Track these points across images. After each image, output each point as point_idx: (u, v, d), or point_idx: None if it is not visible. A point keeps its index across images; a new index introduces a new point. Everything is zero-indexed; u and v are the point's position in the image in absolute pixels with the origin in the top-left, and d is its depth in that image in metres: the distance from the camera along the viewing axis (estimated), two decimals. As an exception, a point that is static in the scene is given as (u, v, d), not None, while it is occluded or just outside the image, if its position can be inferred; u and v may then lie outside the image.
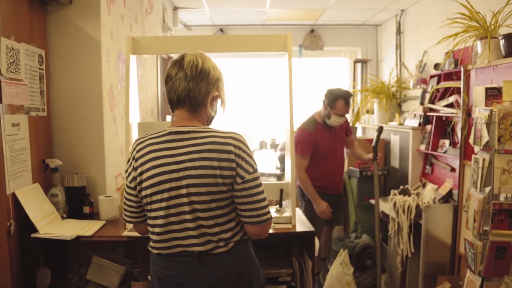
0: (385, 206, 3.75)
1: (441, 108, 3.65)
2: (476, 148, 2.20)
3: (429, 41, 4.26)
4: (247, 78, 6.66)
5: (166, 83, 1.61)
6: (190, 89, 1.57)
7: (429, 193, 3.55)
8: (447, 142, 3.61)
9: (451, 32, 2.87)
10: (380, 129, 3.64)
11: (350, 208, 4.62)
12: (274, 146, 6.12)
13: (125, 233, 2.22)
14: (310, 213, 3.68)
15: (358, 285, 3.79)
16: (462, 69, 3.06)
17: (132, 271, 2.30)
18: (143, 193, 1.60)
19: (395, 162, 4.50)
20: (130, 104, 2.36)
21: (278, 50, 2.40)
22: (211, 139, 1.55)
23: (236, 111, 6.81)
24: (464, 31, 2.81)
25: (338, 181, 3.92)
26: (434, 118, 3.77)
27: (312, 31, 6.15)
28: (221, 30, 6.07)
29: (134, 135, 2.42)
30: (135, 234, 2.06)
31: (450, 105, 3.53)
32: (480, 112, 2.14)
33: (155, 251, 1.64)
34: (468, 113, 3.02)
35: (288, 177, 2.46)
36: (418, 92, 4.33)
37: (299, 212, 2.59)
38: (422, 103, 4.13)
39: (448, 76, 3.69)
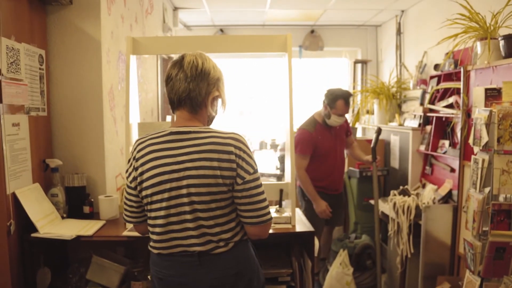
0: (384, 207, 3.75)
1: (441, 109, 3.66)
2: (476, 149, 2.20)
3: (429, 42, 4.26)
4: (247, 78, 6.66)
5: (166, 83, 1.62)
6: (190, 90, 1.57)
7: (429, 193, 3.56)
8: (446, 142, 3.61)
9: (451, 33, 2.88)
10: (379, 131, 3.65)
11: (350, 209, 4.63)
12: (274, 146, 6.13)
13: (125, 233, 2.22)
14: (310, 213, 3.68)
15: (358, 285, 3.80)
16: (462, 70, 3.06)
17: (132, 271, 2.31)
18: (144, 193, 1.60)
19: (395, 163, 4.51)
20: (130, 104, 2.37)
21: (278, 51, 2.40)
22: (211, 139, 1.56)
23: (236, 111, 6.81)
24: (464, 32, 2.81)
25: (338, 181, 3.93)
26: (434, 118, 3.77)
27: (312, 31, 6.15)
28: (221, 30, 6.07)
29: (134, 135, 2.42)
30: (135, 234, 2.07)
31: (450, 106, 3.53)
32: (479, 113, 2.14)
33: (155, 251, 1.64)
34: (467, 113, 3.03)
35: (288, 177, 2.46)
36: (418, 92, 4.33)
37: (298, 212, 2.60)
38: (422, 104, 4.13)
39: (448, 77, 3.70)
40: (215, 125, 1.73)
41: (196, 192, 1.53)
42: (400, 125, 4.54)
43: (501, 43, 2.58)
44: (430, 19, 4.46)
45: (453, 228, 3.22)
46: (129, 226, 2.26)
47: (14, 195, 2.09)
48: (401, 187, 3.70)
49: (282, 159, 5.07)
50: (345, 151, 4.07)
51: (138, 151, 1.62)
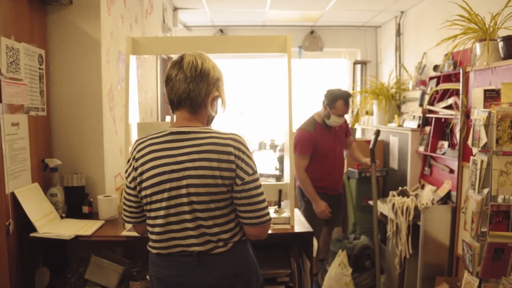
0: (383, 207, 3.76)
1: (440, 110, 3.66)
2: (475, 150, 2.20)
3: (428, 43, 4.26)
4: (247, 79, 6.67)
5: (166, 84, 1.62)
6: (190, 90, 1.57)
7: (428, 194, 3.56)
8: (445, 143, 3.62)
9: (451, 34, 2.88)
10: (377, 133, 3.66)
11: (349, 209, 4.63)
12: (273, 147, 6.13)
13: (124, 233, 2.22)
14: (309, 213, 3.69)
15: (357, 286, 3.80)
16: (461, 71, 3.06)
17: (131, 271, 2.31)
18: (143, 193, 1.60)
19: (394, 164, 4.51)
20: (129, 104, 2.37)
21: (277, 51, 2.40)
22: (211, 140, 1.56)
23: (236, 111, 6.81)
24: (463, 33, 2.81)
25: (337, 181, 3.93)
26: (433, 119, 3.77)
27: (312, 32, 6.15)
28: (221, 30, 6.07)
29: (134, 135, 2.42)
30: (134, 234, 2.07)
31: (449, 107, 3.54)
32: (478, 114, 2.14)
33: (154, 251, 1.64)
34: (467, 114, 3.03)
35: (287, 177, 2.47)
36: (417, 93, 4.34)
37: (297, 213, 2.60)
38: (421, 105, 4.14)
39: (447, 78, 3.70)
40: (214, 125, 1.73)
41: (196, 192, 1.54)
42: (399, 126, 4.54)
43: (500, 44, 2.58)
44: (429, 20, 4.46)
45: (452, 229, 3.23)
46: (128, 226, 2.26)
47: (13, 194, 2.09)
48: (400, 188, 3.70)
49: (281, 160, 5.07)
50: (344, 152, 4.08)
51: (138, 151, 1.62)
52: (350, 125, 4.58)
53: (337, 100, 3.64)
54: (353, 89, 6.11)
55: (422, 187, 3.93)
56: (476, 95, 2.59)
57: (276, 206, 2.43)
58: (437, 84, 3.85)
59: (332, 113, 3.66)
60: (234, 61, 6.52)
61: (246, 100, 6.86)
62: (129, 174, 1.64)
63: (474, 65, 2.89)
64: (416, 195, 3.66)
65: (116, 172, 2.85)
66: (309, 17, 5.66)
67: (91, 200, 2.55)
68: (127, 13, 3.15)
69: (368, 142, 4.54)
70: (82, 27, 2.55)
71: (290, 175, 2.39)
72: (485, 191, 2.10)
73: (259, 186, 1.61)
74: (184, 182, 1.54)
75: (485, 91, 2.46)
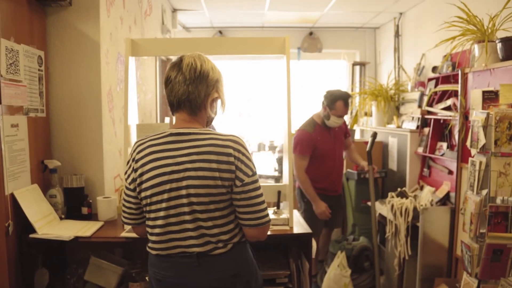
0: (382, 209, 3.76)
1: (439, 111, 3.67)
2: (473, 151, 2.21)
3: (427, 44, 4.27)
4: (246, 80, 6.67)
5: (165, 86, 1.62)
6: (189, 92, 1.57)
7: (427, 195, 3.57)
8: (444, 144, 3.62)
9: (449, 35, 2.89)
10: (374, 135, 3.68)
11: (348, 210, 4.63)
12: (272, 148, 6.14)
13: (123, 234, 2.22)
14: (309, 214, 3.69)
15: (356, 287, 3.80)
16: (459, 72, 3.07)
17: (130, 272, 2.31)
18: (143, 194, 1.60)
19: (393, 165, 4.51)
20: (128, 105, 2.37)
21: (276, 53, 2.41)
22: (211, 141, 1.56)
23: (235, 113, 6.81)
24: (461, 35, 2.82)
25: (337, 182, 3.94)
26: (432, 121, 3.78)
27: (310, 33, 6.16)
28: (220, 32, 6.08)
29: (133, 136, 2.43)
30: (133, 235, 2.07)
31: (448, 108, 3.54)
32: (477, 115, 2.15)
33: (153, 252, 1.65)
34: (465, 116, 3.04)
35: (286, 179, 2.47)
36: (416, 95, 4.34)
37: (296, 214, 2.60)
38: (420, 106, 4.14)
39: (446, 79, 3.71)
40: (213, 126, 1.73)
41: (195, 193, 1.54)
42: (398, 127, 4.55)
43: (499, 45, 2.59)
44: (428, 21, 4.47)
45: (451, 230, 3.23)
46: (127, 227, 2.26)
47: (12, 196, 2.09)
48: (399, 189, 3.71)
49: (280, 161, 5.08)
50: (343, 153, 4.08)
51: (138, 153, 1.62)
52: (349, 126, 4.58)
53: (337, 101, 3.65)
54: (352, 90, 6.11)
55: (421, 188, 3.94)
56: (475, 96, 2.59)
57: (275, 207, 2.43)
58: (436, 85, 3.85)
59: (331, 114, 3.67)
60: (233, 62, 6.53)
61: (245, 102, 6.87)
62: (128, 176, 1.64)
63: (473, 67, 2.90)
64: (415, 196, 3.67)
65: (115, 173, 2.85)
66: (308, 19, 5.67)
67: (91, 201, 2.55)
68: (126, 14, 3.16)
69: (367, 143, 4.54)
70: (81, 29, 2.56)
71: (289, 176, 2.39)
72: (484, 192, 2.11)
73: (259, 188, 1.61)
74: (184, 183, 1.54)
75: (484, 92, 2.46)
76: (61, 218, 2.41)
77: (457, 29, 2.83)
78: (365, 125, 5.50)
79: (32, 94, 2.32)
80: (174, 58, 1.66)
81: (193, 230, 1.57)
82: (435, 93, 3.83)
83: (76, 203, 2.52)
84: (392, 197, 3.64)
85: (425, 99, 3.97)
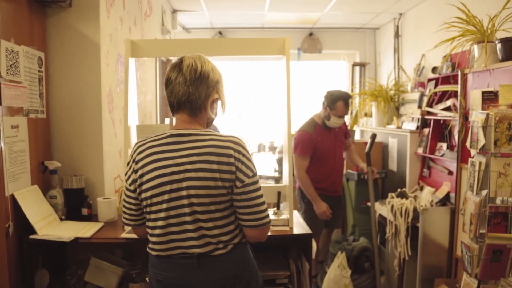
0: (382, 209, 3.76)
1: (439, 112, 3.67)
2: (473, 152, 2.21)
3: (427, 45, 4.28)
4: (246, 81, 6.68)
5: (166, 87, 1.62)
6: (190, 93, 1.57)
7: (427, 196, 3.57)
8: (444, 145, 3.63)
9: (449, 36, 2.89)
10: (374, 137, 3.68)
11: (348, 211, 4.63)
12: (272, 149, 6.14)
13: (123, 235, 2.22)
14: (309, 215, 3.70)
15: (356, 287, 3.80)
16: (459, 73, 3.07)
17: (130, 273, 2.31)
18: (143, 195, 1.61)
19: (393, 165, 4.52)
20: (128, 106, 2.38)
21: (276, 54, 2.41)
22: (211, 142, 1.56)
23: (235, 114, 6.82)
24: (461, 35, 2.83)
25: (337, 182, 3.94)
26: (432, 121, 3.78)
27: (310, 34, 6.17)
28: (220, 33, 6.09)
29: (133, 137, 2.43)
30: (133, 236, 2.07)
31: (448, 109, 3.55)
32: (476, 116, 2.15)
33: (154, 253, 1.65)
34: (465, 116, 3.04)
35: (286, 179, 2.47)
36: (416, 95, 4.35)
37: (296, 215, 2.60)
38: (420, 107, 4.15)
39: (446, 80, 3.71)
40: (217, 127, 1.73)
41: (196, 194, 1.54)
42: (398, 127, 4.55)
43: (498, 46, 2.59)
44: (428, 22, 4.47)
45: (451, 230, 3.23)
46: (127, 228, 2.26)
47: (12, 197, 2.09)
48: (399, 190, 3.71)
49: (280, 162, 5.08)
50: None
51: (138, 154, 1.62)
52: (349, 127, 4.59)
53: (337, 101, 3.65)
54: (352, 91, 6.11)
55: (421, 188, 3.94)
56: (474, 97, 2.59)
57: (275, 208, 2.43)
58: (436, 85, 3.86)
59: (332, 114, 3.67)
60: (233, 63, 6.53)
61: (245, 102, 6.87)
62: (129, 177, 1.65)
63: (472, 67, 2.90)
64: (415, 197, 3.67)
65: (115, 174, 2.85)
66: (308, 19, 5.68)
67: (91, 202, 2.55)
68: (126, 15, 3.16)
69: (367, 144, 4.55)
70: (81, 30, 2.56)
71: (289, 177, 2.39)
72: (484, 192, 2.11)
73: (259, 189, 1.61)
74: (184, 184, 1.54)
75: (483, 93, 2.47)
76: (61, 219, 2.41)
77: (457, 29, 2.83)
78: (365, 126, 5.50)
79: (32, 95, 2.33)
80: (174, 59, 1.66)
81: (194, 231, 1.57)
82: (435, 93, 3.83)
83: (76, 204, 2.52)
84: (392, 197, 3.64)
85: (425, 99, 3.98)
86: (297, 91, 6.29)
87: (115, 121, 2.85)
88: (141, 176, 1.59)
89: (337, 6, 4.89)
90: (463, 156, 3.09)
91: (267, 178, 5.13)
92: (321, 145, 3.72)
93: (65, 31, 2.55)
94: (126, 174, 1.67)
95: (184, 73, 1.57)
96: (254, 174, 1.60)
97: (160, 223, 1.59)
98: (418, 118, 4.05)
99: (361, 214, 4.46)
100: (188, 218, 1.56)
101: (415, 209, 3.38)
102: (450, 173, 3.53)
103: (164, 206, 1.57)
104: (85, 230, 2.26)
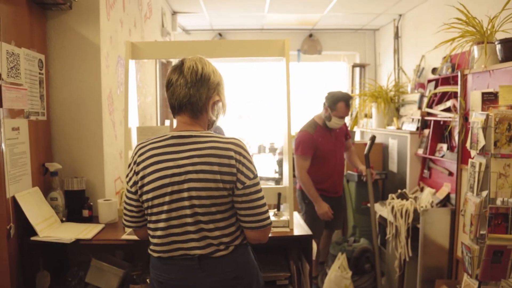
0: (383, 210, 3.77)
1: (439, 113, 3.67)
2: (473, 152, 2.21)
3: (427, 46, 4.28)
4: (246, 82, 6.68)
5: (167, 89, 1.62)
6: (191, 95, 1.58)
7: (427, 197, 3.57)
8: (444, 146, 3.63)
9: (449, 37, 2.90)
10: (373, 138, 3.69)
11: (349, 212, 4.64)
12: (272, 150, 6.14)
13: (124, 237, 2.23)
14: (310, 216, 3.70)
15: (356, 288, 3.81)
16: (459, 73, 3.08)
17: (131, 274, 2.31)
18: (144, 197, 1.61)
19: (393, 166, 4.52)
20: (129, 108, 2.38)
21: (276, 55, 2.41)
22: (212, 144, 1.57)
23: (235, 115, 6.82)
24: (461, 36, 2.83)
25: (338, 183, 3.94)
26: (432, 122, 3.79)
27: (310, 35, 6.17)
28: (220, 34, 6.09)
29: (133, 139, 2.43)
30: (134, 237, 2.07)
31: (448, 110, 3.55)
32: (476, 117, 2.16)
33: (155, 255, 1.65)
34: (465, 117, 3.04)
35: (286, 181, 2.47)
36: (416, 96, 4.35)
37: (297, 216, 2.61)
38: (420, 108, 4.15)
39: (446, 81, 3.71)
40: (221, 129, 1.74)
41: (197, 195, 1.54)
42: (398, 128, 4.55)
43: (498, 47, 2.59)
44: (428, 23, 4.48)
45: (451, 231, 3.23)
46: (128, 229, 2.26)
47: (13, 198, 2.10)
48: (399, 191, 3.71)
49: (280, 163, 5.08)
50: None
51: (139, 155, 1.62)
52: (349, 128, 4.59)
53: (338, 102, 3.66)
54: (352, 92, 6.12)
55: (421, 189, 3.94)
56: (474, 97, 2.59)
57: (276, 209, 2.43)
58: (436, 86, 3.86)
59: (333, 115, 3.68)
60: (233, 65, 6.53)
61: (245, 104, 6.87)
62: (130, 179, 1.65)
63: (472, 68, 2.91)
64: (415, 198, 3.67)
65: (116, 176, 2.85)
66: (308, 21, 5.68)
67: (91, 204, 2.56)
68: (126, 17, 3.17)
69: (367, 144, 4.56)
70: (81, 32, 2.57)
71: (289, 178, 2.39)
72: (484, 193, 2.11)
73: (260, 190, 1.62)
74: (185, 186, 1.54)
75: (483, 93, 2.47)
76: (62, 221, 2.41)
77: (457, 30, 2.84)
78: (365, 127, 5.51)
79: (32, 98, 2.33)
80: (174, 61, 1.66)
81: (195, 233, 1.58)
82: (435, 94, 3.84)
83: (77, 206, 2.52)
84: (393, 198, 3.64)
85: (425, 100, 3.98)
86: (297, 93, 6.30)
87: (116, 123, 2.86)
88: (142, 177, 1.59)
89: (337, 7, 4.89)
90: (463, 157, 3.10)
91: (267, 179, 5.13)
92: (322, 146, 3.72)
93: (66, 33, 2.55)
94: (127, 176, 1.67)
95: (185, 75, 1.57)
96: (255, 176, 1.61)
97: (161, 224, 1.59)
98: (418, 119, 4.05)
99: (362, 215, 4.46)
100: (189, 220, 1.56)
101: (415, 210, 3.38)
102: (450, 174, 3.53)
103: (165, 207, 1.57)
104: (86, 231, 2.26)
